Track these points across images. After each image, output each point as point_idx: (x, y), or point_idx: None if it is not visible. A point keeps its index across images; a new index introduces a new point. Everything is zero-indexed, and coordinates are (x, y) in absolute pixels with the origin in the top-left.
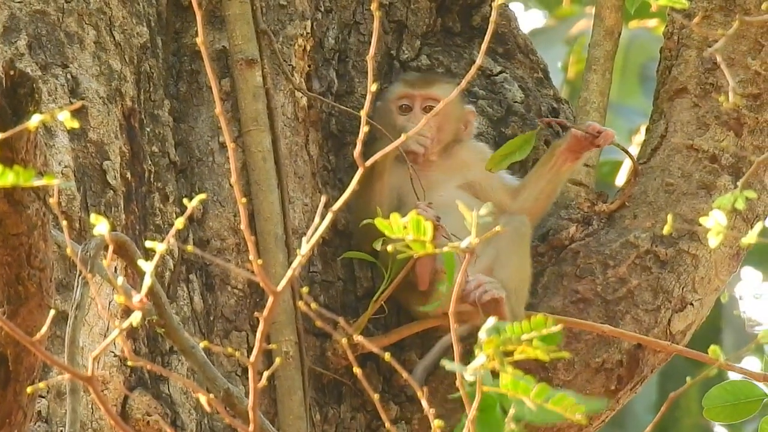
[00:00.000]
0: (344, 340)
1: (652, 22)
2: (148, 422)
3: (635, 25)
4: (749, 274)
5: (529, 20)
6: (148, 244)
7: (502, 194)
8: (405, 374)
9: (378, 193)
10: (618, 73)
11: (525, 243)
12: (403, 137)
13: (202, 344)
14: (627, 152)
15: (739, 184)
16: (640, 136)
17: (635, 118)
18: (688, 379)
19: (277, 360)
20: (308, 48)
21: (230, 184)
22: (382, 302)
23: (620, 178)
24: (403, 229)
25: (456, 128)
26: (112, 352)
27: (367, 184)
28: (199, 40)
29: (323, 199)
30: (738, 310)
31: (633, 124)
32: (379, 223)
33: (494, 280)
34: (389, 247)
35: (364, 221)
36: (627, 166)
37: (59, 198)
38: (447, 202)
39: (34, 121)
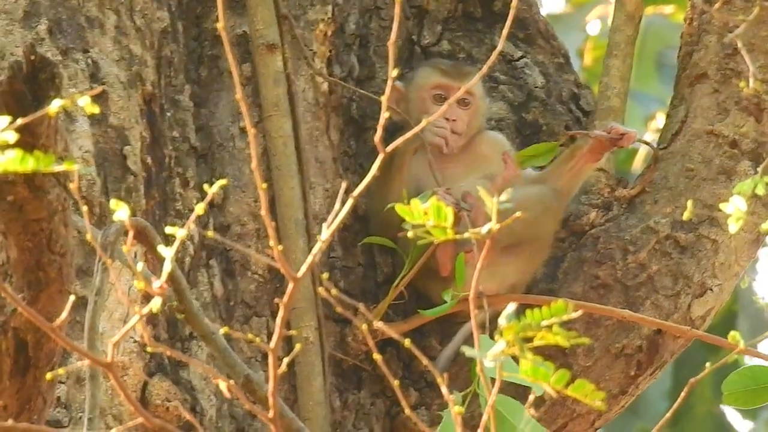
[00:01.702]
0: (364, 326)
1: (669, 9)
2: (168, 408)
3: (651, 11)
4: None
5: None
6: (168, 229)
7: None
8: (425, 360)
9: (397, 187)
10: (634, 59)
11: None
12: (423, 122)
13: (222, 330)
14: (649, 144)
15: (759, 169)
16: (656, 123)
17: (651, 105)
18: (707, 365)
19: (297, 346)
20: (329, 33)
21: (251, 170)
22: (402, 288)
23: (636, 165)
24: (423, 215)
25: (482, 122)
26: (132, 337)
27: (386, 176)
28: (219, 25)
29: (344, 184)
30: (756, 296)
31: (649, 111)
32: (400, 208)
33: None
34: (409, 233)
35: (385, 208)
36: (643, 153)
37: (79, 183)
38: (468, 191)
39: (55, 106)
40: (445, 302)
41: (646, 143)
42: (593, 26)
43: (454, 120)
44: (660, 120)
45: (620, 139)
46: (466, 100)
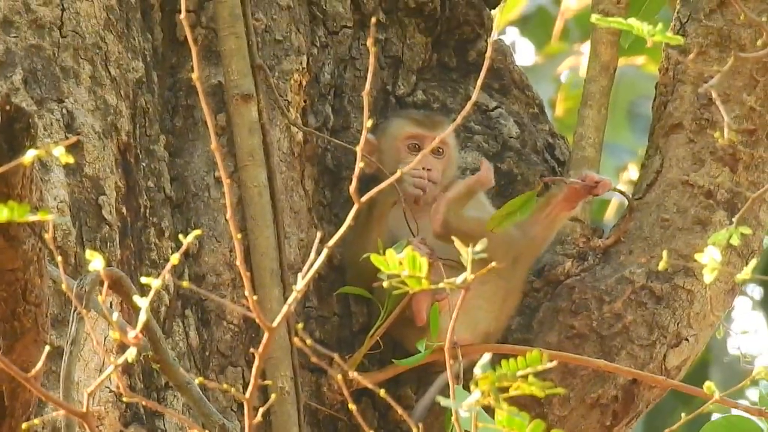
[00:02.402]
0: (339, 376)
1: (640, 60)
2: None
3: (623, 62)
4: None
5: (518, 58)
6: (144, 279)
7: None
8: (400, 410)
9: (375, 238)
10: None
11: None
12: (399, 172)
13: (198, 380)
14: (624, 193)
15: (734, 219)
16: (628, 174)
17: (623, 156)
18: (682, 415)
19: (273, 396)
20: (304, 83)
21: (226, 220)
22: (378, 338)
23: (609, 216)
24: (398, 265)
25: (454, 171)
26: (108, 387)
27: (364, 226)
28: (194, 75)
29: (319, 234)
30: (735, 345)
31: (621, 162)
32: (375, 258)
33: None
34: (385, 283)
35: (362, 257)
36: (616, 204)
37: (55, 233)
38: (441, 244)
39: (29, 156)
40: (420, 352)
41: (621, 192)
42: (564, 77)
43: (429, 170)
44: (632, 171)
45: (595, 187)
46: (440, 149)
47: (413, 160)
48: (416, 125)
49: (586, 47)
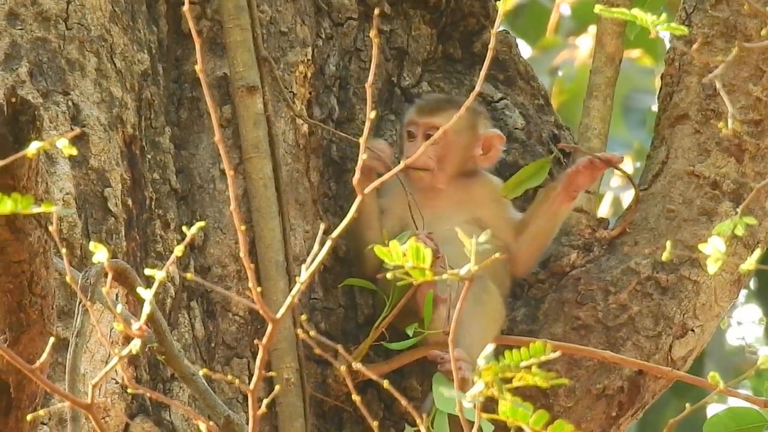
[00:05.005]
0: (344, 368)
1: (636, 53)
2: None
3: None
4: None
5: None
6: (148, 271)
7: (508, 232)
8: (404, 401)
9: (361, 230)
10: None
11: (487, 309)
12: (400, 166)
13: (203, 371)
14: (629, 177)
15: (739, 210)
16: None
17: (618, 149)
18: (687, 405)
19: (278, 387)
20: (309, 75)
21: (231, 212)
22: (383, 329)
23: (601, 210)
24: (402, 257)
25: (465, 156)
26: (114, 379)
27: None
28: (198, 67)
29: (323, 226)
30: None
31: None
32: (379, 250)
33: (468, 359)
34: (389, 274)
35: (368, 247)
36: (609, 199)
37: (60, 225)
38: (452, 235)
39: (33, 148)
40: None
41: (627, 176)
42: (560, 70)
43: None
44: (626, 164)
45: (611, 159)
46: (430, 134)
47: (409, 146)
48: (414, 112)
49: (580, 40)
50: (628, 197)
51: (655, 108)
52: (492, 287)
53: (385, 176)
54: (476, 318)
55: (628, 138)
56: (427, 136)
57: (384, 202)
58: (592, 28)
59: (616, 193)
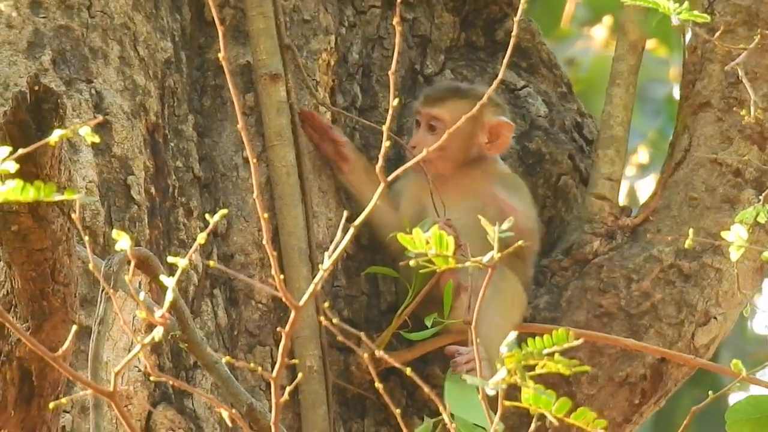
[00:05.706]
0: (366, 355)
1: (651, 43)
2: None
3: None
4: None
5: None
6: (171, 259)
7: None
8: (427, 389)
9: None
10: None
11: (504, 296)
12: (418, 157)
13: (225, 359)
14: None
15: (762, 197)
16: (638, 157)
17: (633, 139)
18: (709, 393)
19: (300, 374)
20: (332, 63)
21: (254, 199)
22: (406, 317)
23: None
24: (425, 244)
25: (467, 144)
26: (137, 367)
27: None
28: (221, 55)
29: (345, 213)
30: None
31: (631, 145)
32: (402, 237)
33: (486, 356)
34: (411, 262)
35: (390, 235)
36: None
37: (83, 213)
38: (464, 223)
39: (56, 136)
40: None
41: None
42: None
43: (413, 147)
44: (641, 154)
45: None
46: (431, 124)
47: (414, 134)
48: (420, 101)
49: (595, 30)
50: (643, 186)
51: (674, 96)
52: (510, 274)
53: (407, 165)
54: (493, 305)
55: (644, 128)
56: (429, 126)
57: (400, 185)
58: (607, 19)
59: (631, 182)
